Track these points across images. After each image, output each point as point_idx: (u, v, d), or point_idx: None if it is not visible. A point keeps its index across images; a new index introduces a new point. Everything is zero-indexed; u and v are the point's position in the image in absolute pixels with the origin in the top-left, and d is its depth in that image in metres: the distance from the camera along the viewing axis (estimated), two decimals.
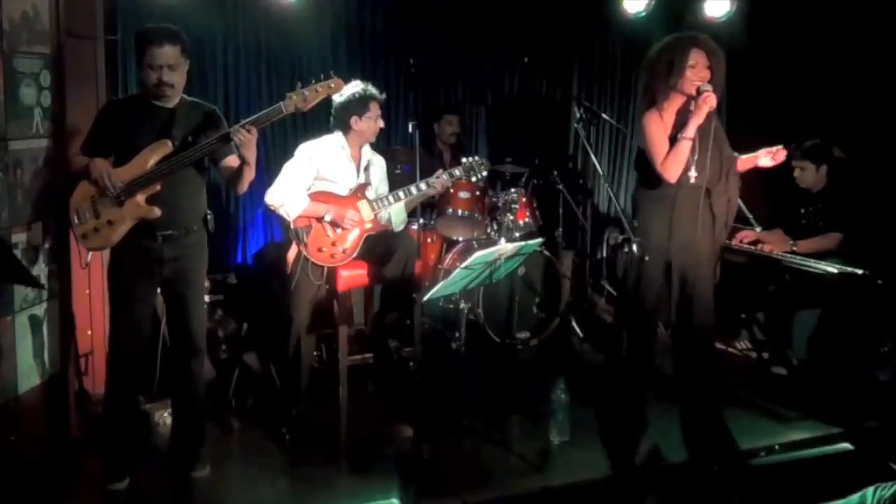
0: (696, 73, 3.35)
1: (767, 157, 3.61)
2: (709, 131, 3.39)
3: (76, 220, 3.08)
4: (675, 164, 3.35)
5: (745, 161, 3.64)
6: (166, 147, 3.02)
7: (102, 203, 3.04)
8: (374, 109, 3.78)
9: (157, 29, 3.02)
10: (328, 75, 3.18)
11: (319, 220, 3.72)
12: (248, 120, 3.06)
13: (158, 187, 3.01)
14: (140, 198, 3.01)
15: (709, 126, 3.39)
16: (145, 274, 3.11)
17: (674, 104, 3.44)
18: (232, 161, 3.14)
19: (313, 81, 3.14)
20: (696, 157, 3.38)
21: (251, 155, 3.05)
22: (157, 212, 3.02)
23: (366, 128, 3.79)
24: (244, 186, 3.17)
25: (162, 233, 3.07)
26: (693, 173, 3.38)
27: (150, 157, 3.01)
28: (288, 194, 3.68)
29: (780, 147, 3.62)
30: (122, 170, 3.02)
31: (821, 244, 4.28)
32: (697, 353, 3.58)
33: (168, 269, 3.12)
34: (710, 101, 3.29)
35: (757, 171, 3.73)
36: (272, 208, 3.70)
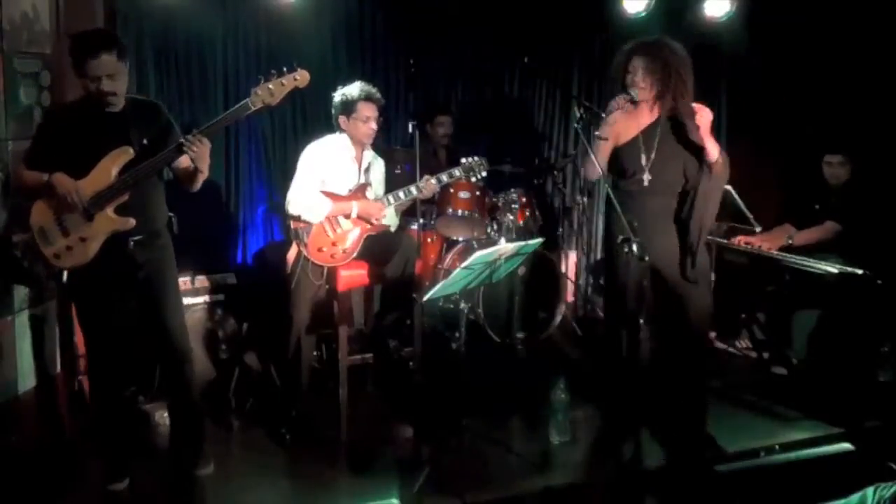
0: (633, 79, 3.43)
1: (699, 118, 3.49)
2: (655, 134, 3.45)
3: (44, 241, 2.95)
4: (585, 162, 3.52)
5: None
6: (127, 154, 2.92)
7: (69, 220, 2.92)
8: (364, 111, 3.74)
9: (89, 37, 2.88)
10: (291, 67, 3.07)
11: (346, 216, 3.74)
12: (205, 127, 2.97)
13: (126, 197, 2.94)
14: (110, 210, 2.93)
15: (655, 129, 3.45)
16: (119, 281, 3.04)
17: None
18: (184, 161, 3.05)
19: (275, 75, 3.03)
20: (647, 160, 3.45)
21: (204, 164, 2.99)
22: (131, 222, 2.95)
23: (353, 129, 3.77)
24: (197, 186, 3.12)
25: (133, 238, 3.01)
26: (647, 176, 3.45)
27: (112, 166, 2.91)
28: (308, 200, 3.68)
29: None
30: (84, 182, 2.89)
31: (817, 235, 4.29)
32: (681, 355, 3.58)
33: (142, 274, 3.06)
34: (619, 104, 3.44)
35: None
36: (295, 216, 3.69)
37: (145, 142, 2.98)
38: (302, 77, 3.08)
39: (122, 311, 3.09)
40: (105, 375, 3.12)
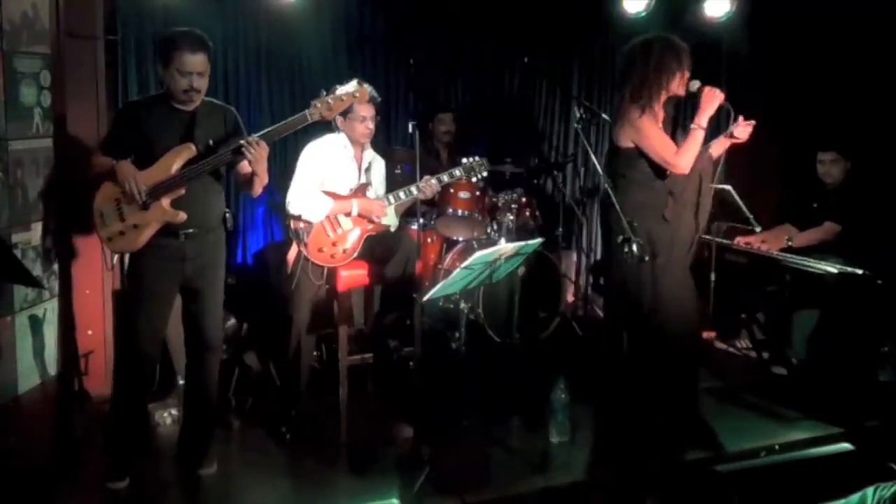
0: (686, 74, 3.40)
1: (741, 130, 3.49)
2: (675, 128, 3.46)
3: (101, 223, 3.07)
4: (689, 153, 3.32)
5: (720, 144, 3.54)
6: (190, 151, 3.04)
7: (127, 206, 3.04)
8: (360, 111, 3.73)
9: (190, 35, 3.02)
10: (348, 79, 3.19)
11: (347, 214, 3.74)
12: (264, 132, 3.08)
13: (183, 191, 3.03)
14: (165, 202, 3.02)
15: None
16: (168, 272, 3.12)
17: (660, 104, 3.43)
18: (245, 167, 3.16)
19: (337, 89, 3.17)
20: None
21: (262, 168, 3.09)
22: (182, 216, 3.03)
23: (350, 129, 3.77)
24: (257, 191, 3.22)
25: (185, 231, 3.08)
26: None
27: (175, 161, 3.02)
28: (308, 199, 3.68)
29: (746, 122, 3.49)
30: (145, 173, 3.01)
31: (818, 236, 4.29)
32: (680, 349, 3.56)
33: (189, 267, 3.13)
34: (717, 92, 3.31)
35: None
36: (295, 216, 3.70)
37: (211, 142, 3.09)
38: (361, 94, 3.23)
39: (167, 302, 3.18)
40: (135, 364, 3.16)
